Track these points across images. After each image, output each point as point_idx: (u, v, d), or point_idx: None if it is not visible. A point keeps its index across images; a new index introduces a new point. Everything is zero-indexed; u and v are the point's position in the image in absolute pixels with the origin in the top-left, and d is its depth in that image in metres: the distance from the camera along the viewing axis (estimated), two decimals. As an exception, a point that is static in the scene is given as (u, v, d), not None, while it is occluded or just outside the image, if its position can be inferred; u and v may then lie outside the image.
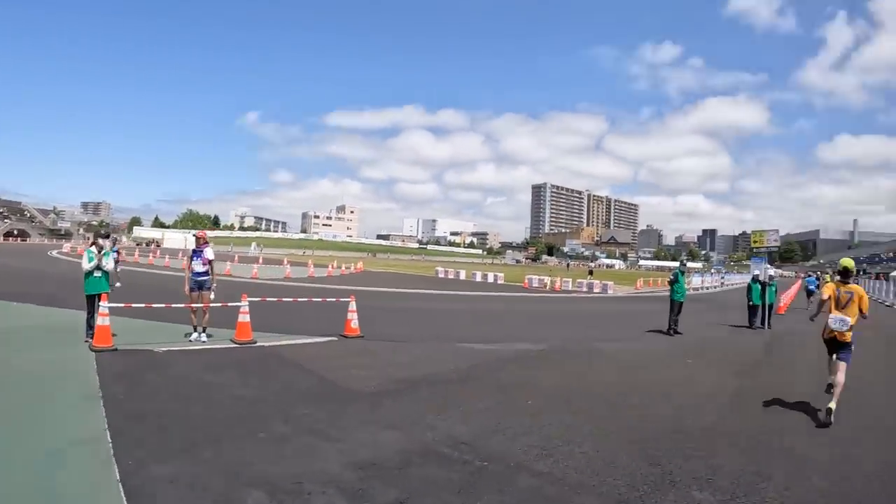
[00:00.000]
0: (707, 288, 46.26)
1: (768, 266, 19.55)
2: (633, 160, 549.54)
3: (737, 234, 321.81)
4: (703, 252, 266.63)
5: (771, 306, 19.08)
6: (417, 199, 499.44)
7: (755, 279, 19.21)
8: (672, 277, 17.09)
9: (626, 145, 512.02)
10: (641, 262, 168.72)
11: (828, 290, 7.73)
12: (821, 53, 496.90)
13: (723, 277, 59.80)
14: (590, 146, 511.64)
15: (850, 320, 7.33)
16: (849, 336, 7.40)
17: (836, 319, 7.40)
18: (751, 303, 18.98)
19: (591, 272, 54.79)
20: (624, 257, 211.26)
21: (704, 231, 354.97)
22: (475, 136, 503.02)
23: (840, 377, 7.37)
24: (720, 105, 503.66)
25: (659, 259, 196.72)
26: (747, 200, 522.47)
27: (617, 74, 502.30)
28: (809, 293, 29.29)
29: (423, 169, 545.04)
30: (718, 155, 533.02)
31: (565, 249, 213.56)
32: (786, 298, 28.41)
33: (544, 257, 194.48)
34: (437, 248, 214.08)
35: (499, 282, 42.85)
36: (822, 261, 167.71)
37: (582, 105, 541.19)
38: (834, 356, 7.63)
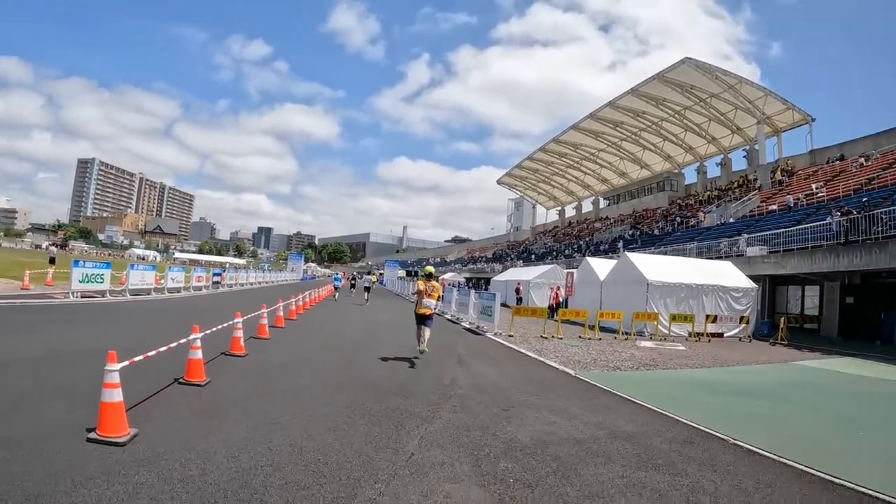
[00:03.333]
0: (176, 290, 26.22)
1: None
2: (202, 152, 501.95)
3: (292, 233, 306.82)
4: (252, 248, 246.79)
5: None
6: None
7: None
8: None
9: (196, 135, 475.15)
10: (179, 254, 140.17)
11: (420, 284, 11.12)
12: (398, 85, 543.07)
13: (219, 273, 35.00)
14: (159, 129, 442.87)
15: (434, 303, 11.04)
16: (430, 311, 11.02)
17: (426, 301, 10.89)
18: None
19: (52, 260, 30.63)
20: (167, 249, 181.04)
21: (260, 229, 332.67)
22: (36, 96, 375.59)
23: (427, 334, 10.98)
24: (296, 112, 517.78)
25: (203, 253, 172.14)
26: (307, 204, 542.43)
27: (201, 60, 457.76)
28: (336, 287, 34.69)
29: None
30: (286, 158, 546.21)
31: (101, 237, 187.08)
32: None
33: (72, 243, 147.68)
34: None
35: None
36: (370, 262, 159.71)
37: (159, 84, 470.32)
38: (422, 325, 10.96)
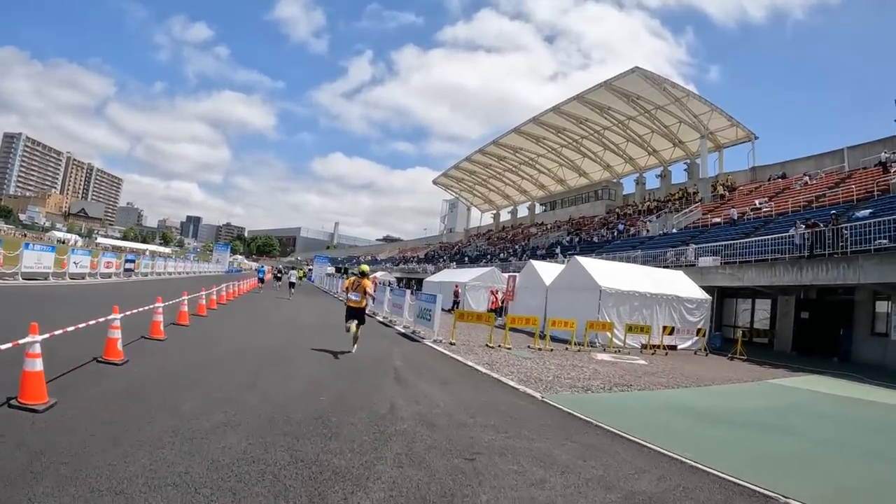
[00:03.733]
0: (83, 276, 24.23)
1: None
2: (133, 134, 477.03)
3: (221, 224, 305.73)
4: (180, 237, 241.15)
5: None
6: None
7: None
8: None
9: (129, 116, 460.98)
10: (102, 239, 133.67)
11: (347, 282, 11.91)
12: (339, 80, 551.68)
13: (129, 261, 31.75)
14: (91, 108, 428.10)
15: (360, 297, 11.34)
16: (363, 304, 11.44)
17: (352, 295, 11.34)
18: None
19: None
20: (90, 233, 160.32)
21: (189, 217, 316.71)
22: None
23: (355, 328, 11.17)
24: (233, 100, 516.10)
25: (128, 239, 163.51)
26: (238, 196, 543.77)
27: (140, 38, 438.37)
28: (261, 280, 35.27)
29: None
30: (219, 147, 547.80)
31: (22, 217, 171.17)
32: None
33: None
34: None
35: None
36: (299, 257, 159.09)
37: (94, 61, 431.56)
38: (353, 318, 11.16)
